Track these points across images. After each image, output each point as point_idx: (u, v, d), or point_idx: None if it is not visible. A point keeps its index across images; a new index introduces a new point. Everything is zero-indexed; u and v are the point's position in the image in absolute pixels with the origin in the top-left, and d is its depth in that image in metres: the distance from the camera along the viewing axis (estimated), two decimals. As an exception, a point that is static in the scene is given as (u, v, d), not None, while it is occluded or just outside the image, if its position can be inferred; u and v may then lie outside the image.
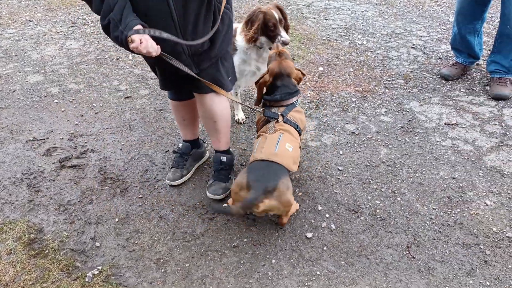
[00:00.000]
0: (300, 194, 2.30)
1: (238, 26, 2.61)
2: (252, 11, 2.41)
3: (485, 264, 1.88)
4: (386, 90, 3.21)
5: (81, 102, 3.32)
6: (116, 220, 2.22)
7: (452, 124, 2.79)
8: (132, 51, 1.69)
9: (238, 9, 4.97)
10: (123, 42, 1.66)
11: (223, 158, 2.32)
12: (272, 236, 2.07)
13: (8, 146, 2.85)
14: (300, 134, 2.11)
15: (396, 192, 2.29)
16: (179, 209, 2.26)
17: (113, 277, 1.91)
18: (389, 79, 3.35)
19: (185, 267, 1.94)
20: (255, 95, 2.79)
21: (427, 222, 2.09)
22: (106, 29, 1.70)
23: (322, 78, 3.42)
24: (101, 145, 2.80)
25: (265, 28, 2.40)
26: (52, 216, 2.27)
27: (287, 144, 1.94)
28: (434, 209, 2.17)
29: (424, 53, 3.73)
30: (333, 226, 2.10)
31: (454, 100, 3.04)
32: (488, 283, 1.79)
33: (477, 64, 3.44)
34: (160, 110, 3.15)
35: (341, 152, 2.60)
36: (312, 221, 2.14)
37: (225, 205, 2.19)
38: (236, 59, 2.56)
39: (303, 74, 2.20)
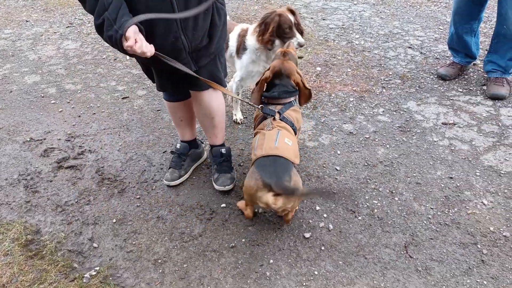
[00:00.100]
0: (298, 194, 2.30)
1: (248, 26, 2.63)
2: (267, 13, 2.42)
3: (482, 263, 1.88)
4: (384, 90, 3.22)
5: (78, 102, 3.31)
6: (114, 220, 2.22)
7: (449, 124, 2.79)
8: (126, 52, 1.67)
9: (236, 9, 4.97)
10: (117, 42, 1.62)
11: (223, 150, 2.37)
12: (270, 236, 2.07)
13: (5, 147, 2.84)
14: (295, 133, 2.12)
15: (394, 191, 2.29)
16: (177, 209, 2.26)
17: (110, 278, 1.91)
18: (387, 79, 3.36)
19: (183, 267, 1.94)
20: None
21: (425, 222, 2.10)
22: (100, 28, 1.66)
23: (319, 78, 3.43)
24: (99, 146, 2.80)
25: (279, 31, 2.41)
26: (50, 217, 2.26)
27: (286, 139, 1.95)
28: (431, 208, 2.17)
29: (421, 53, 3.74)
30: (331, 226, 2.10)
31: (451, 100, 3.05)
32: (485, 282, 1.80)
33: (474, 64, 3.45)
34: (158, 110, 3.15)
35: (338, 152, 2.60)
36: (310, 221, 2.14)
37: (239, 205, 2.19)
38: (246, 58, 2.57)
39: (305, 87, 2.17)
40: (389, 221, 2.12)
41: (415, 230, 2.06)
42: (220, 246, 2.03)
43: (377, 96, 3.15)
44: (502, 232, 2.02)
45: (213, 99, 2.19)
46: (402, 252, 1.95)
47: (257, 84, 2.18)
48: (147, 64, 2.08)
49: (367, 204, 2.22)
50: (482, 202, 2.19)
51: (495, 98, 3.00)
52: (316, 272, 1.88)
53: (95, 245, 2.08)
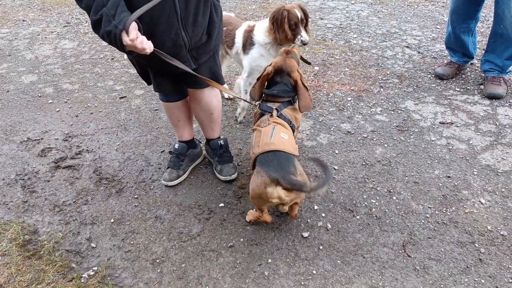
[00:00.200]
0: (296, 193, 2.30)
1: (254, 23, 2.64)
2: (276, 9, 2.43)
3: (480, 262, 1.89)
4: (381, 90, 3.22)
5: (75, 102, 3.30)
6: (112, 220, 2.21)
7: (447, 123, 2.80)
8: (123, 49, 1.66)
9: (234, 8, 4.96)
10: (116, 37, 1.60)
11: (221, 142, 2.43)
12: (268, 235, 2.07)
13: (2, 146, 2.83)
14: (293, 131, 2.12)
15: (392, 191, 2.30)
16: (175, 209, 2.26)
17: (108, 278, 1.90)
18: (384, 79, 3.36)
19: (181, 267, 1.94)
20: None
21: (423, 221, 2.10)
22: (97, 23, 1.63)
23: (317, 78, 3.43)
24: (96, 146, 2.79)
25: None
26: (47, 217, 2.25)
27: (282, 134, 1.95)
28: (429, 207, 2.18)
29: (419, 52, 3.75)
30: (329, 225, 2.10)
31: (449, 99, 3.06)
32: (483, 281, 1.81)
33: (471, 63, 3.46)
34: (156, 110, 3.14)
35: (336, 152, 2.61)
36: (308, 220, 2.14)
37: (249, 218, 2.16)
38: (254, 52, 2.57)
39: (304, 85, 2.17)
40: (387, 220, 2.12)
41: (413, 229, 2.07)
42: (218, 245, 2.03)
43: (375, 96, 3.15)
44: (499, 231, 2.03)
45: (213, 96, 2.23)
46: (400, 251, 1.96)
47: (258, 78, 2.18)
48: (144, 65, 2.07)
49: (365, 203, 2.23)
50: (479, 201, 2.20)
51: (492, 97, 3.01)
52: (314, 272, 1.88)
53: (93, 245, 2.07)
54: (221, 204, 2.26)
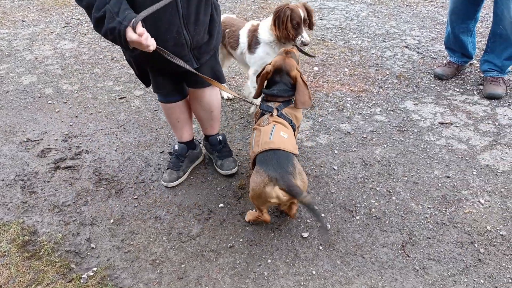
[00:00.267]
0: (295, 194, 2.30)
1: (258, 22, 2.65)
2: (280, 6, 2.43)
3: (479, 262, 1.89)
4: (381, 90, 3.22)
5: (75, 102, 3.30)
6: (111, 221, 2.21)
7: (446, 123, 2.80)
8: (126, 46, 1.66)
9: (233, 9, 4.96)
10: (121, 33, 1.60)
11: (220, 137, 2.47)
12: (268, 236, 2.07)
13: (2, 147, 2.83)
14: (294, 130, 2.12)
15: (391, 191, 2.30)
16: (174, 209, 2.26)
17: (108, 279, 1.90)
18: (384, 79, 3.37)
19: (180, 267, 1.94)
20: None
21: (422, 221, 2.11)
22: (100, 20, 1.63)
23: (317, 78, 3.43)
24: (96, 146, 2.79)
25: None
26: (47, 217, 2.25)
27: (281, 133, 1.95)
28: (428, 208, 2.18)
29: (418, 52, 3.75)
30: (328, 226, 2.10)
31: (448, 99, 3.06)
32: (482, 281, 1.81)
33: (471, 64, 3.46)
34: (155, 110, 3.14)
35: (336, 152, 2.61)
36: (308, 220, 2.14)
37: (248, 218, 2.16)
38: (260, 51, 2.59)
39: (304, 82, 2.18)
40: (387, 220, 2.12)
41: (412, 229, 2.07)
42: (218, 246, 2.03)
43: (374, 96, 3.15)
44: (499, 231, 2.03)
45: (213, 95, 2.28)
46: (399, 252, 1.96)
47: (258, 76, 2.19)
48: (144, 65, 2.07)
49: (365, 203, 2.23)
50: (479, 201, 2.20)
51: (491, 97, 3.01)
52: (314, 272, 1.88)
53: (92, 245, 2.07)
54: (221, 205, 2.26)
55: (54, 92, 3.46)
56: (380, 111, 2.98)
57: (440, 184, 2.32)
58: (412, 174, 2.40)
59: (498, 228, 2.04)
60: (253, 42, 2.60)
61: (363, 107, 3.03)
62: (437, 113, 2.91)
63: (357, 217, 2.15)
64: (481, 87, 3.15)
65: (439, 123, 2.82)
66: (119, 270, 1.94)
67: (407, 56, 3.69)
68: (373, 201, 2.24)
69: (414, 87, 3.23)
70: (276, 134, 1.93)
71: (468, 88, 3.18)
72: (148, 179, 2.48)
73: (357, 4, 4.98)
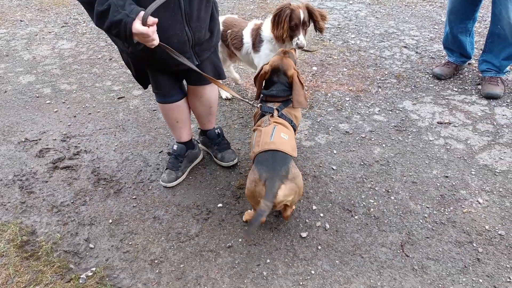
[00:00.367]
0: (294, 193, 2.30)
1: (261, 21, 2.64)
2: (281, 5, 2.40)
3: (478, 261, 1.89)
4: (379, 90, 3.23)
5: (73, 102, 3.29)
6: (110, 221, 2.21)
7: (445, 123, 2.81)
8: (130, 40, 1.64)
9: (232, 9, 4.96)
10: (126, 26, 1.59)
11: (217, 131, 2.53)
12: (266, 236, 2.07)
13: (0, 147, 2.82)
14: (294, 130, 2.12)
15: (390, 191, 2.30)
16: (173, 209, 2.26)
17: (107, 279, 1.90)
18: (382, 79, 3.37)
19: (179, 267, 1.94)
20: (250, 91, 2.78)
21: (421, 221, 2.11)
22: (103, 14, 1.61)
23: (315, 78, 3.43)
24: (94, 146, 2.78)
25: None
26: (45, 217, 2.25)
27: (282, 134, 1.96)
28: (427, 207, 2.18)
29: (416, 52, 3.75)
30: (327, 225, 2.10)
31: (447, 99, 3.07)
32: (480, 280, 1.81)
33: (469, 64, 3.47)
34: (154, 110, 3.14)
35: (335, 152, 2.61)
36: (307, 220, 2.14)
37: (245, 218, 2.16)
38: (264, 49, 2.58)
39: (300, 81, 2.17)
40: (386, 220, 2.13)
41: (411, 229, 2.07)
42: (217, 246, 2.03)
43: (373, 96, 3.16)
44: (497, 230, 2.03)
45: (213, 91, 2.34)
46: (398, 251, 1.96)
47: (256, 76, 2.19)
48: (144, 64, 2.07)
49: (364, 203, 2.23)
50: (477, 201, 2.20)
51: (490, 97, 3.02)
52: (313, 272, 1.89)
53: (91, 245, 2.07)
54: (220, 205, 2.26)
55: (52, 92, 3.45)
56: (379, 111, 2.98)
57: (438, 184, 2.32)
58: (410, 173, 2.41)
59: (496, 228, 2.05)
60: (257, 41, 2.59)
61: (362, 107, 3.03)
62: (435, 113, 2.92)
63: (356, 217, 2.15)
64: (479, 87, 3.16)
65: (438, 122, 2.82)
66: (117, 270, 1.94)
67: (406, 56, 3.70)
68: (372, 201, 2.24)
69: (413, 87, 3.24)
70: (277, 135, 1.93)
71: (466, 88, 3.19)
72: (147, 179, 2.48)
73: (356, 4, 4.98)
